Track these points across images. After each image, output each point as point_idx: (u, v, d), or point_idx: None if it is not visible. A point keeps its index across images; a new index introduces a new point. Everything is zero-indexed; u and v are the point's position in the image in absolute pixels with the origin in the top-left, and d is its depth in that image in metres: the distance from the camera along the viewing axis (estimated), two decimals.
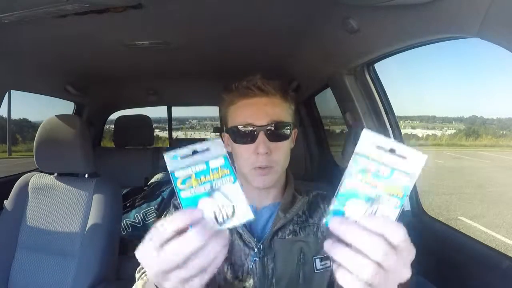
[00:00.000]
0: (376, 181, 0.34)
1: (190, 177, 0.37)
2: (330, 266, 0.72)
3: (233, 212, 0.37)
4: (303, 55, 1.40)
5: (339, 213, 0.35)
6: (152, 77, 2.06)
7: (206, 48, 1.40)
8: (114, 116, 2.79)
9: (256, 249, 0.70)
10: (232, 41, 1.32)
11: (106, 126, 2.94)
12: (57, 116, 1.25)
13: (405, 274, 0.35)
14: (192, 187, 0.37)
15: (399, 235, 0.33)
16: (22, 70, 1.45)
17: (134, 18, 0.97)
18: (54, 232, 1.21)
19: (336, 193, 0.35)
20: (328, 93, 1.50)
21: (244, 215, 0.37)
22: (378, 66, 1.15)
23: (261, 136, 0.68)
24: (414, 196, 1.10)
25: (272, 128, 0.69)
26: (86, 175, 1.32)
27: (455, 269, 0.83)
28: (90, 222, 1.19)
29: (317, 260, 0.72)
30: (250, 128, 0.69)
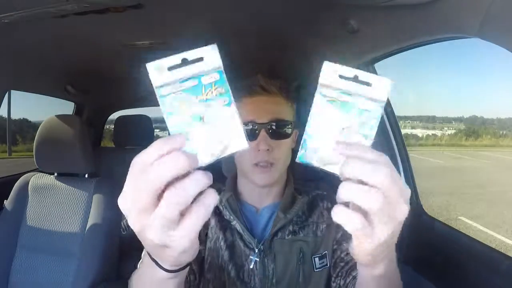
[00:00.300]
0: (345, 110, 0.33)
1: (179, 95, 0.31)
2: (326, 265, 0.73)
3: (229, 140, 0.32)
4: (303, 55, 1.40)
5: (314, 148, 0.33)
6: None
7: None
8: (114, 116, 2.79)
9: (256, 250, 0.70)
10: (232, 41, 1.32)
11: (106, 126, 2.93)
12: (57, 116, 1.25)
13: (404, 209, 0.31)
14: (182, 109, 0.31)
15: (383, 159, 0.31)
16: (22, 70, 1.45)
17: (134, 18, 0.97)
18: (54, 232, 1.21)
19: (306, 126, 0.34)
20: None
21: (238, 144, 0.32)
22: (378, 66, 1.15)
23: (263, 134, 0.69)
24: (414, 196, 1.10)
25: (274, 126, 0.69)
26: (86, 175, 1.33)
27: (455, 269, 0.83)
28: (90, 222, 1.19)
29: (316, 259, 0.72)
30: (252, 126, 0.69)
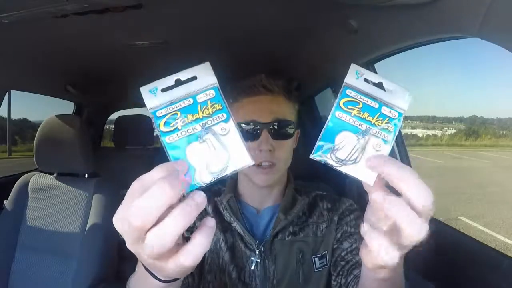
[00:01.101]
0: (366, 114, 0.34)
1: (175, 115, 0.31)
2: (327, 265, 0.73)
3: (229, 158, 0.31)
4: (303, 55, 1.40)
5: (330, 146, 0.34)
6: (152, 77, 2.06)
7: (206, 48, 1.40)
8: (114, 116, 2.80)
9: (257, 251, 0.70)
10: (232, 41, 1.32)
11: (106, 126, 2.94)
12: (57, 116, 1.25)
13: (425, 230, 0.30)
14: (178, 129, 0.31)
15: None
16: (22, 70, 1.45)
17: (134, 18, 0.97)
18: (54, 232, 1.21)
19: (326, 124, 0.34)
20: (328, 93, 1.50)
21: (241, 160, 0.31)
22: (378, 66, 1.15)
23: (265, 134, 0.68)
24: None
25: (276, 126, 0.69)
26: (86, 175, 1.32)
27: (454, 268, 0.83)
28: (90, 222, 1.19)
29: (316, 259, 0.72)
30: (254, 125, 0.69)
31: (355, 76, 0.34)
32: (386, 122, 0.33)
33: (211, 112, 0.31)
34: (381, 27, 0.85)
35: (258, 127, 0.69)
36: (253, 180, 0.72)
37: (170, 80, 0.31)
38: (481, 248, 0.81)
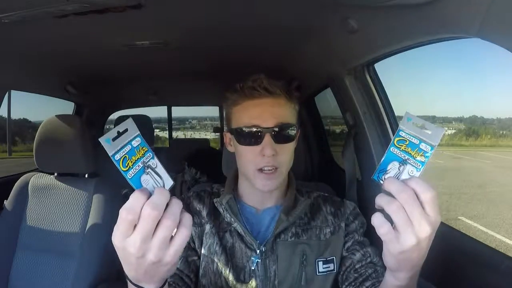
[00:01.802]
0: (409, 149, 0.46)
1: (125, 158, 0.44)
2: (334, 270, 0.73)
3: (164, 182, 0.44)
4: (303, 55, 1.40)
5: (383, 170, 0.47)
6: (152, 77, 2.06)
7: (206, 48, 1.40)
8: (114, 116, 2.80)
9: (258, 251, 0.70)
10: (232, 41, 1.32)
11: (106, 126, 2.94)
12: (57, 116, 1.25)
13: (426, 230, 0.41)
14: (131, 167, 0.44)
15: (431, 193, 0.41)
16: (22, 70, 1.45)
17: (134, 18, 0.97)
18: (54, 232, 1.21)
19: (384, 156, 0.47)
20: (328, 93, 1.50)
21: (168, 184, 0.45)
22: (378, 66, 1.15)
23: (267, 138, 0.67)
24: None
25: (278, 130, 0.68)
26: (86, 175, 1.32)
27: (454, 268, 0.83)
28: (90, 222, 1.19)
29: (320, 263, 0.72)
30: (256, 130, 0.68)
31: (406, 120, 0.46)
32: (421, 155, 0.45)
33: (143, 154, 0.45)
34: (381, 27, 0.85)
35: (260, 131, 0.67)
36: (254, 184, 0.71)
37: (114, 132, 0.44)
38: (481, 248, 0.81)
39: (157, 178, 0.45)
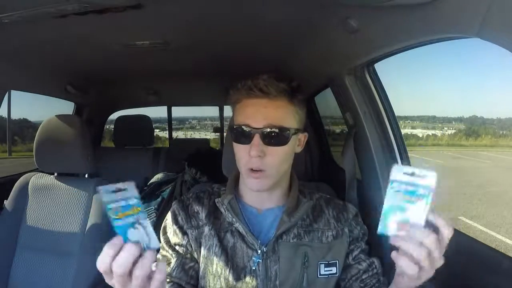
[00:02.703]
0: (407, 197, 0.49)
1: (118, 210, 0.48)
2: (336, 273, 0.73)
3: (149, 241, 0.49)
4: (303, 55, 1.40)
5: (386, 223, 0.50)
6: (152, 77, 2.06)
7: (206, 48, 1.40)
8: (114, 116, 2.80)
9: (259, 251, 0.70)
10: (232, 41, 1.32)
11: (106, 126, 2.94)
12: (57, 116, 1.25)
13: (439, 262, 0.53)
14: (121, 219, 0.48)
15: (431, 239, 0.50)
16: (22, 70, 1.45)
17: (134, 18, 0.97)
18: (54, 232, 1.21)
19: (383, 210, 0.50)
20: (328, 93, 1.50)
21: (155, 244, 0.49)
22: (378, 66, 1.15)
23: (256, 139, 0.67)
24: None
25: (268, 132, 0.67)
26: (86, 175, 1.32)
27: (454, 268, 0.83)
28: (90, 222, 1.19)
29: (322, 265, 0.72)
30: (246, 129, 0.68)
31: (396, 172, 0.50)
32: (420, 200, 0.48)
33: (136, 212, 0.49)
34: (381, 27, 0.85)
35: (250, 131, 0.67)
36: (246, 183, 0.72)
37: (113, 187, 0.49)
38: (481, 248, 0.81)
39: (144, 236, 0.49)
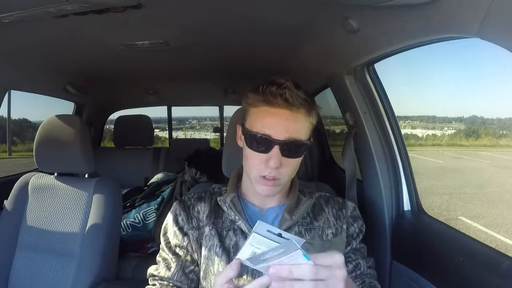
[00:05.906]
0: (271, 253, 0.47)
1: (256, 252, 0.48)
2: None
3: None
4: (303, 55, 1.40)
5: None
6: (152, 77, 2.06)
7: (206, 48, 1.40)
8: (114, 116, 2.80)
9: None
10: (232, 41, 1.32)
11: (106, 126, 2.94)
12: (57, 116, 1.25)
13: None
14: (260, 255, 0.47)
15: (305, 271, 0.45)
16: (22, 70, 1.45)
17: (134, 18, 0.97)
18: (54, 232, 1.21)
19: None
20: (328, 93, 1.50)
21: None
22: (378, 66, 1.15)
23: (275, 150, 0.66)
24: (414, 196, 1.10)
25: (289, 146, 0.67)
26: (86, 175, 1.32)
27: (455, 269, 0.83)
28: (90, 222, 1.19)
29: None
30: (267, 139, 0.67)
31: (261, 227, 0.48)
32: (289, 256, 0.46)
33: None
34: (381, 27, 0.85)
35: (270, 142, 0.66)
36: (254, 188, 0.72)
37: (275, 237, 0.47)
38: (481, 248, 0.81)
39: None
